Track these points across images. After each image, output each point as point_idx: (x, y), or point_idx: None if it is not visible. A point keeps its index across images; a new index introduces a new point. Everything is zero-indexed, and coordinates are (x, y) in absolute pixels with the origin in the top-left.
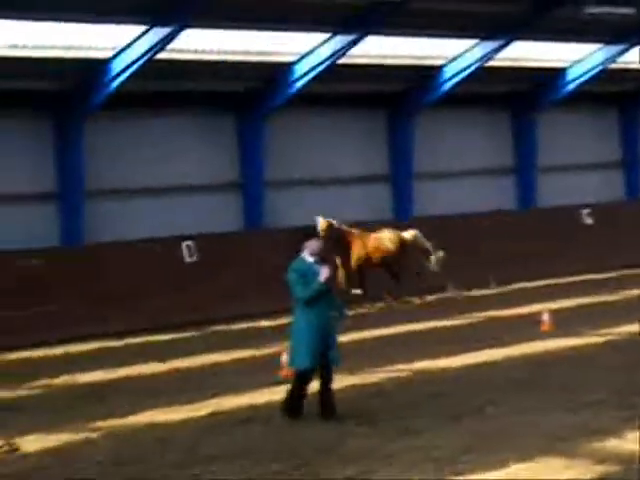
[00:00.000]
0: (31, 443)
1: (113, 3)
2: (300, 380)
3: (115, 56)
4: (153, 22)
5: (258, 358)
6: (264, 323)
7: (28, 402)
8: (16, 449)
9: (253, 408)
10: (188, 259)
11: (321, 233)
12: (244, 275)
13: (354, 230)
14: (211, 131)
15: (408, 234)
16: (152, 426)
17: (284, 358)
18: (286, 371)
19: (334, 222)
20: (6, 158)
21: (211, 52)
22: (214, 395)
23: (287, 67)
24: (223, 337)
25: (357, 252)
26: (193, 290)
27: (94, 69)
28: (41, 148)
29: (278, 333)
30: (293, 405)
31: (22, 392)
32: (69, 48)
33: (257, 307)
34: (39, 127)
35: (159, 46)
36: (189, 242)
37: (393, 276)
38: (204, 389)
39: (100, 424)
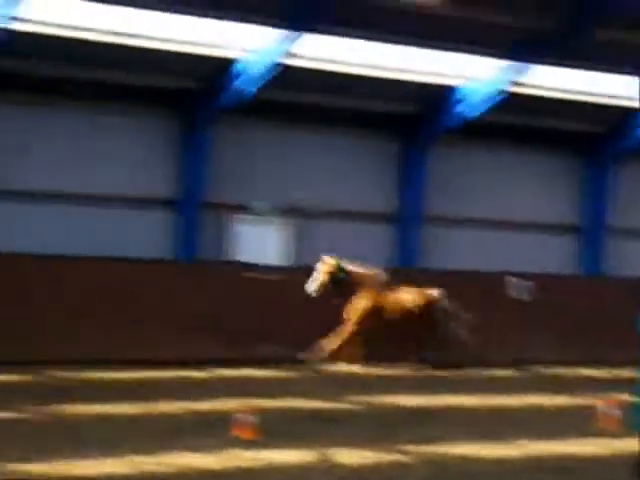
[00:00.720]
0: (343, 456)
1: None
2: None
3: (465, 85)
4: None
5: (573, 406)
6: (584, 371)
7: (346, 416)
8: (328, 460)
9: (569, 457)
10: (515, 296)
11: (322, 275)
12: (578, 321)
13: (368, 273)
14: (550, 170)
15: (435, 293)
16: (464, 459)
17: (602, 408)
18: (604, 422)
19: (342, 263)
20: (353, 176)
21: (564, 91)
22: (530, 437)
23: None
24: (541, 379)
25: (365, 302)
26: (514, 329)
27: (444, 96)
28: (387, 170)
29: (593, 382)
30: None
31: (341, 405)
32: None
33: (575, 354)
34: (388, 149)
35: (510, 81)
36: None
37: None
38: (520, 429)
39: (412, 448)
